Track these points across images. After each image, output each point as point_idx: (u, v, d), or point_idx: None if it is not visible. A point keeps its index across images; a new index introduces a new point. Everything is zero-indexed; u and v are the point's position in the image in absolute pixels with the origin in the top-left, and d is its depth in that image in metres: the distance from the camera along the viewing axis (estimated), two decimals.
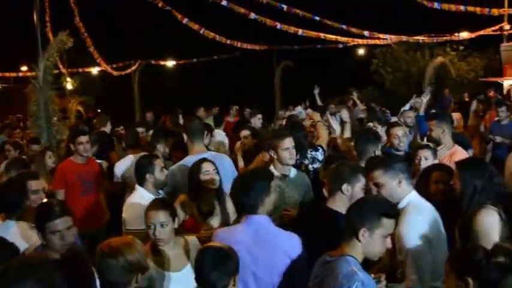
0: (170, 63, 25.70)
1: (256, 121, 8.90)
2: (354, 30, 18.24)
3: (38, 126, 9.11)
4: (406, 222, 3.35)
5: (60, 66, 16.63)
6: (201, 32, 17.22)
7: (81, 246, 4.04)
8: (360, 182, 3.69)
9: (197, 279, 2.86)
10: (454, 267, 2.66)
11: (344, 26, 17.18)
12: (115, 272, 2.79)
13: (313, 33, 17.49)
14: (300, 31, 16.39)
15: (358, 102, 13.10)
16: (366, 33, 19.28)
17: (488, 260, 2.55)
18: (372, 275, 2.92)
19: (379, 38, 21.50)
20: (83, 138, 6.11)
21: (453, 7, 16.49)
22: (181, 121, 9.79)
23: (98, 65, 24.08)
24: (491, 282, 2.54)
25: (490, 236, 3.38)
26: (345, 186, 3.67)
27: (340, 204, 3.65)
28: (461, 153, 5.21)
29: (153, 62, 25.09)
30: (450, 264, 2.71)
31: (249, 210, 3.35)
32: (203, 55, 25.15)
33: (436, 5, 15.32)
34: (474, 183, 3.56)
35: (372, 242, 2.85)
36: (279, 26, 14.18)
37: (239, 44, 21.49)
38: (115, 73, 23.08)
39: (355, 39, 22.23)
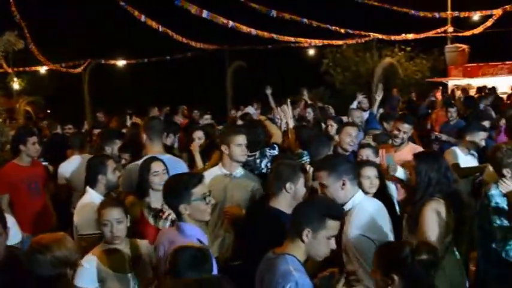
0: (121, 62, 25.23)
1: (204, 121, 8.89)
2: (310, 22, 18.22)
3: None
4: (351, 223, 3.39)
5: (5, 66, 16.07)
6: (159, 29, 16.91)
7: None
8: (301, 179, 3.77)
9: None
10: (381, 263, 2.72)
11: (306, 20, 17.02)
12: (42, 266, 2.87)
13: (265, 34, 17.43)
14: (253, 31, 16.32)
15: (309, 101, 13.26)
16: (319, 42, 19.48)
17: (413, 258, 2.61)
18: (326, 272, 3.01)
19: (330, 42, 21.85)
20: (34, 139, 5.91)
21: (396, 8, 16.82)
22: (128, 122, 9.69)
23: (45, 64, 23.50)
24: (415, 279, 2.60)
25: (433, 227, 3.51)
26: (288, 185, 3.72)
27: (283, 203, 3.72)
28: (420, 149, 5.46)
29: (103, 61, 24.59)
30: (377, 260, 2.76)
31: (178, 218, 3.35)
32: (154, 55, 24.88)
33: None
34: (429, 176, 3.68)
35: (315, 242, 2.87)
36: (231, 24, 14.03)
37: (194, 43, 21.35)
38: (63, 70, 22.54)
39: (309, 40, 22.53)
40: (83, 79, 24.35)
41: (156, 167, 4.30)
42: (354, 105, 9.41)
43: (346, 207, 3.45)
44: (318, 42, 23.08)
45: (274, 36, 18.53)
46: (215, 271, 3.09)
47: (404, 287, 2.60)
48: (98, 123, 11.86)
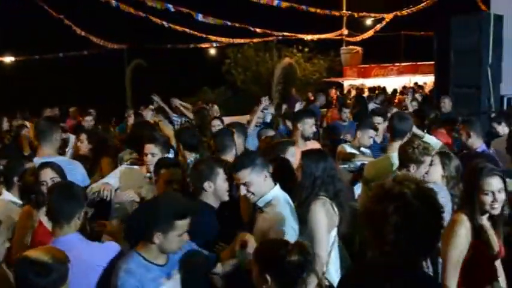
0: (8, 59, 23.58)
1: (88, 123, 8.59)
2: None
3: None
4: (277, 215, 3.41)
5: None
6: (60, 17, 15.95)
7: None
8: (220, 175, 3.75)
9: None
10: (257, 261, 2.68)
11: (200, 16, 16.86)
12: None
13: (179, 28, 16.70)
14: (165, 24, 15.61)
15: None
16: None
17: (284, 258, 2.57)
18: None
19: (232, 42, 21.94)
20: None
21: (296, 5, 17.15)
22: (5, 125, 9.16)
23: None
24: (286, 281, 2.57)
25: (319, 226, 3.53)
26: (206, 184, 3.71)
27: (210, 199, 3.75)
28: (314, 145, 5.56)
29: None
30: (254, 257, 2.73)
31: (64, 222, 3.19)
32: (47, 52, 23.57)
33: (275, 2, 15.75)
34: (315, 175, 3.68)
35: (166, 242, 2.94)
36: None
37: (94, 39, 20.53)
38: None
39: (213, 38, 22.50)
40: None
41: (43, 176, 3.99)
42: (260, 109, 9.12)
43: (265, 199, 3.49)
44: (224, 40, 23.12)
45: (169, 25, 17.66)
46: None
47: (276, 287, 2.57)
48: None
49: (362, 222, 2.27)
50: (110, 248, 3.31)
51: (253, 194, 3.49)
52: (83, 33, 19.27)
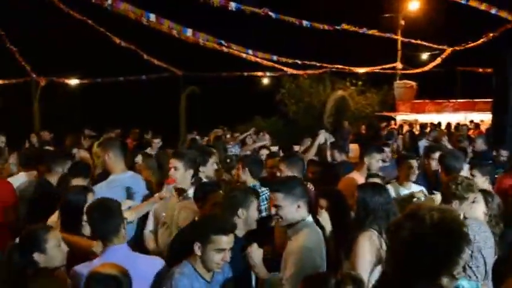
0: (74, 81, 24.70)
1: (157, 145, 8.97)
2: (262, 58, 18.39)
3: None
4: (304, 243, 3.47)
5: None
6: (121, 44, 16.71)
7: None
8: (253, 203, 3.88)
9: None
10: None
11: (250, 52, 17.17)
12: None
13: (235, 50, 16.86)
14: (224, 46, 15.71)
15: None
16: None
17: None
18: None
19: (283, 71, 22.18)
20: None
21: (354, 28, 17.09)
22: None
23: None
24: None
25: (360, 258, 3.60)
26: (239, 211, 3.81)
27: (239, 226, 3.76)
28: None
29: (54, 79, 24.03)
30: None
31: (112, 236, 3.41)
32: (108, 75, 24.55)
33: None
34: (369, 208, 3.77)
35: (205, 255, 3.21)
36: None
37: (155, 61, 21.27)
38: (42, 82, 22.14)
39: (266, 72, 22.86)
40: (33, 96, 23.75)
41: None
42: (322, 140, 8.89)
43: (296, 228, 3.57)
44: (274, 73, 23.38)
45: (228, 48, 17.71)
46: None
47: None
48: (42, 142, 11.64)
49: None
50: (157, 261, 3.53)
51: (281, 217, 3.59)
52: (145, 57, 20.02)
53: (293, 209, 3.56)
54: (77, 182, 5.09)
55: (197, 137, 12.20)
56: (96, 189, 4.68)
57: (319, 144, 7.56)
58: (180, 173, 4.64)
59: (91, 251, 3.67)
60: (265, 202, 5.10)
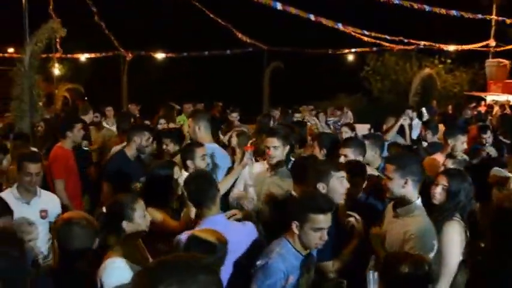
0: (160, 55, 25.48)
1: (233, 118, 9.10)
2: (351, 31, 17.92)
3: (20, 109, 9.18)
4: (421, 226, 3.44)
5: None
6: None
7: None
8: (334, 177, 3.82)
9: None
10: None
11: (340, 26, 16.75)
12: None
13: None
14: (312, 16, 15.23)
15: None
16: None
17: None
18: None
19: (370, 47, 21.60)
20: (80, 125, 6.31)
21: (444, 11, 16.39)
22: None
23: (87, 51, 23.98)
24: None
25: (451, 247, 3.53)
26: (319, 185, 3.82)
27: None
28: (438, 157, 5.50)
29: (143, 53, 24.92)
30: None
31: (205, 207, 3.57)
32: (193, 50, 25.08)
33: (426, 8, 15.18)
34: (459, 197, 3.71)
35: (303, 233, 3.19)
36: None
37: (247, 39, 21.51)
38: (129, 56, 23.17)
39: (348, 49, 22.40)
40: (122, 70, 24.73)
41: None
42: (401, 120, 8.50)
43: (408, 208, 3.55)
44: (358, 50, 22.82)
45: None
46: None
47: None
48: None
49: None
50: (251, 229, 3.67)
51: (388, 189, 3.62)
52: (239, 36, 20.24)
53: (400, 183, 3.57)
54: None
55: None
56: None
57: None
58: (279, 152, 4.70)
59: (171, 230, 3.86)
60: None
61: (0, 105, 15.08)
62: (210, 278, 1.63)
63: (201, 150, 4.70)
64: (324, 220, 3.16)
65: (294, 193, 4.11)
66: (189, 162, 4.62)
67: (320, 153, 5.19)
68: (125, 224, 3.25)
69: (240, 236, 3.50)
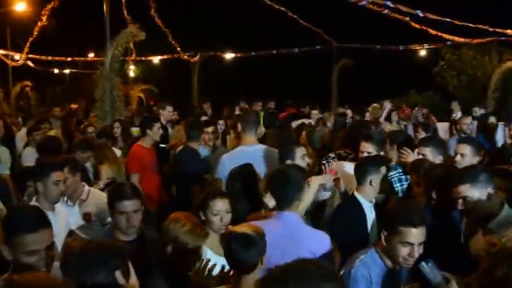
0: (229, 55, 25.83)
1: (314, 117, 9.13)
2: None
3: (102, 110, 9.74)
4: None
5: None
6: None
7: None
8: (380, 174, 4.14)
9: (228, 261, 2.95)
10: None
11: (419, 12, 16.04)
12: None
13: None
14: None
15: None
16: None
17: None
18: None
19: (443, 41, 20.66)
20: (159, 125, 6.73)
21: None
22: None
23: (160, 54, 24.64)
24: None
25: None
26: (369, 178, 4.10)
27: (367, 193, 4.16)
28: None
29: (212, 53, 25.33)
30: None
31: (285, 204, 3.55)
32: (261, 49, 25.19)
33: None
34: None
35: (390, 245, 3.06)
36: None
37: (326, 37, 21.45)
38: (192, 60, 23.72)
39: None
40: (193, 71, 25.22)
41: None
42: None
43: (497, 220, 3.16)
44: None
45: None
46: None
47: None
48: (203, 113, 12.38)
49: None
50: (324, 238, 3.53)
51: (470, 210, 3.36)
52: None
53: (482, 198, 3.35)
54: None
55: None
56: (222, 159, 5.17)
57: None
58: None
59: None
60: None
61: (87, 104, 15.69)
62: (333, 286, 1.67)
63: (300, 150, 4.77)
64: (414, 235, 2.94)
65: None
66: (288, 162, 4.61)
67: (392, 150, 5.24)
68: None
69: (310, 239, 3.43)
